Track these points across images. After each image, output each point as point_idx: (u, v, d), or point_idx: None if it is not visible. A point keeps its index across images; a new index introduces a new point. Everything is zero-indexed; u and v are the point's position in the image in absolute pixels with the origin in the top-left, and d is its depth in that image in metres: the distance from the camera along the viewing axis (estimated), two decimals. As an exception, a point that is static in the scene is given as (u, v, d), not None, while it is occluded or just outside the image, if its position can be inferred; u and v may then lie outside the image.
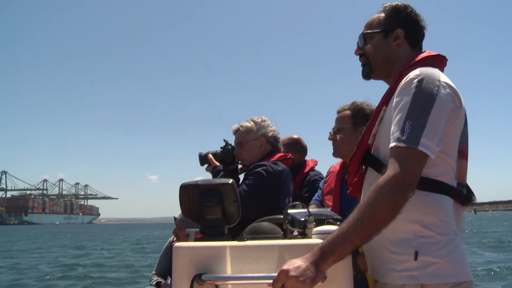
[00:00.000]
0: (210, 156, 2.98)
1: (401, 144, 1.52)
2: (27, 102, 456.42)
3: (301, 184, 3.49)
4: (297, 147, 3.69)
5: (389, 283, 1.61)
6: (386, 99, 1.75)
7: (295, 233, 1.73)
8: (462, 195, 1.71)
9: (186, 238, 1.90)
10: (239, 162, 2.96)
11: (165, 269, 3.72)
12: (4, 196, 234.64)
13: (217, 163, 2.94)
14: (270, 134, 2.89)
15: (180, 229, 3.41)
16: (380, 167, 1.68)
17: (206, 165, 3.01)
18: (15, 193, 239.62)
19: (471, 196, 1.75)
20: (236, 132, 2.94)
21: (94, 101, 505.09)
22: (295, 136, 3.80)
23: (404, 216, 1.52)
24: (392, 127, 1.59)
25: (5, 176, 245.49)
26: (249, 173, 2.68)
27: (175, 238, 3.67)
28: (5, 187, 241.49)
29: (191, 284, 1.55)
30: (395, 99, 1.65)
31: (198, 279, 1.55)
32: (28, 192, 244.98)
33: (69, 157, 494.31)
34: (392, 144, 1.56)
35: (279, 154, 2.87)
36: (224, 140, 3.01)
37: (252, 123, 2.90)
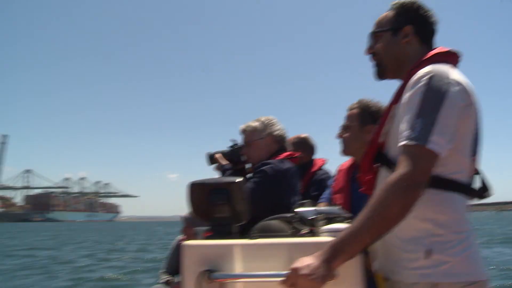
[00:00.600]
0: (218, 155, 3.00)
1: (411, 142, 1.51)
2: (52, 101, 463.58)
3: (309, 183, 3.47)
4: (305, 146, 3.67)
5: (401, 281, 1.60)
6: (397, 97, 1.73)
7: (304, 231, 1.73)
8: (476, 191, 1.69)
9: (194, 236, 1.90)
10: (247, 161, 2.97)
11: (174, 267, 3.74)
12: (29, 194, 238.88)
13: (225, 162, 2.96)
14: (276, 133, 2.90)
15: (188, 228, 3.43)
16: (391, 165, 1.67)
17: (214, 165, 3.03)
18: (39, 191, 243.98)
19: (485, 192, 1.72)
20: (243, 132, 2.95)
21: (115, 100, 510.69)
22: (303, 135, 3.78)
23: (416, 215, 1.50)
24: (402, 125, 1.58)
25: (30, 175, 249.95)
26: (255, 171, 2.69)
27: (183, 237, 3.69)
28: (30, 186, 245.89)
29: (200, 282, 1.56)
30: (404, 97, 1.63)
31: (207, 277, 1.55)
32: (51, 190, 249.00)
33: (91, 156, 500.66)
34: (401, 142, 1.54)
35: (286, 153, 2.86)
36: (232, 140, 3.03)
37: (259, 122, 2.92)
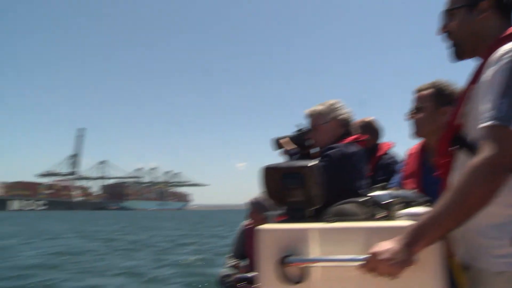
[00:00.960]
0: (285, 140, 3.00)
1: (495, 123, 1.41)
2: (124, 93, 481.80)
3: (375, 168, 3.39)
4: (370, 130, 3.58)
5: (484, 269, 1.52)
6: (475, 77, 1.63)
7: (380, 215, 1.70)
8: None
9: (261, 221, 1.91)
10: (313, 146, 2.95)
11: (240, 251, 3.81)
12: (104, 184, 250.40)
13: (292, 147, 2.95)
14: (341, 117, 2.86)
15: (255, 213, 3.48)
16: (471, 148, 1.59)
17: (280, 150, 3.02)
18: (113, 181, 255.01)
19: None
20: (308, 116, 2.94)
21: (185, 91, 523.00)
22: (368, 119, 3.69)
23: (501, 200, 1.42)
24: (483, 106, 1.48)
25: (105, 166, 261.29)
26: (321, 156, 2.68)
27: (249, 222, 3.74)
28: (105, 176, 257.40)
29: (277, 266, 1.57)
30: (485, 76, 1.53)
31: (284, 261, 1.56)
32: (124, 180, 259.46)
33: (162, 146, 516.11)
34: (484, 124, 1.44)
35: (352, 137, 2.82)
36: (298, 124, 3.01)
37: (323, 106, 2.89)
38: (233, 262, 3.75)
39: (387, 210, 1.71)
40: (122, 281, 10.17)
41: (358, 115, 2.52)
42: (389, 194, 1.76)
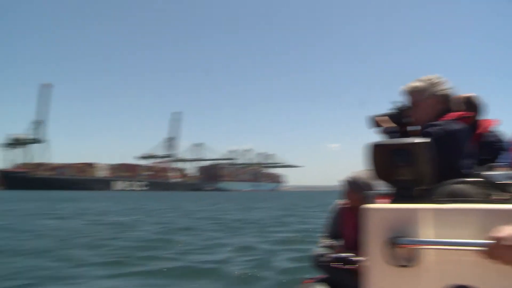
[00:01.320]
0: (383, 118, 2.90)
1: None
2: (217, 77, 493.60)
3: (478, 146, 3.17)
4: (468, 106, 3.36)
5: None
6: None
7: (498, 197, 1.58)
8: None
9: (359, 201, 1.84)
10: (411, 123, 2.82)
11: (334, 231, 3.78)
12: (200, 165, 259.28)
13: (390, 125, 2.85)
14: (441, 93, 2.71)
15: (351, 192, 3.43)
16: None
17: (377, 128, 2.92)
18: (208, 162, 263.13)
19: None
20: (406, 93, 2.81)
21: (278, 72, 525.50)
22: (467, 94, 3.47)
23: None
24: None
25: (201, 148, 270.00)
26: (422, 134, 2.54)
27: (344, 202, 3.69)
28: (200, 158, 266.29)
29: (386, 246, 1.52)
30: None
31: (394, 242, 1.50)
32: (219, 161, 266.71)
33: (255, 128, 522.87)
34: None
35: (456, 113, 2.66)
36: (395, 101, 2.89)
37: (422, 82, 2.76)
38: (327, 242, 3.74)
39: (503, 191, 1.59)
40: (237, 255, 10.62)
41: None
42: (505, 174, 1.64)
